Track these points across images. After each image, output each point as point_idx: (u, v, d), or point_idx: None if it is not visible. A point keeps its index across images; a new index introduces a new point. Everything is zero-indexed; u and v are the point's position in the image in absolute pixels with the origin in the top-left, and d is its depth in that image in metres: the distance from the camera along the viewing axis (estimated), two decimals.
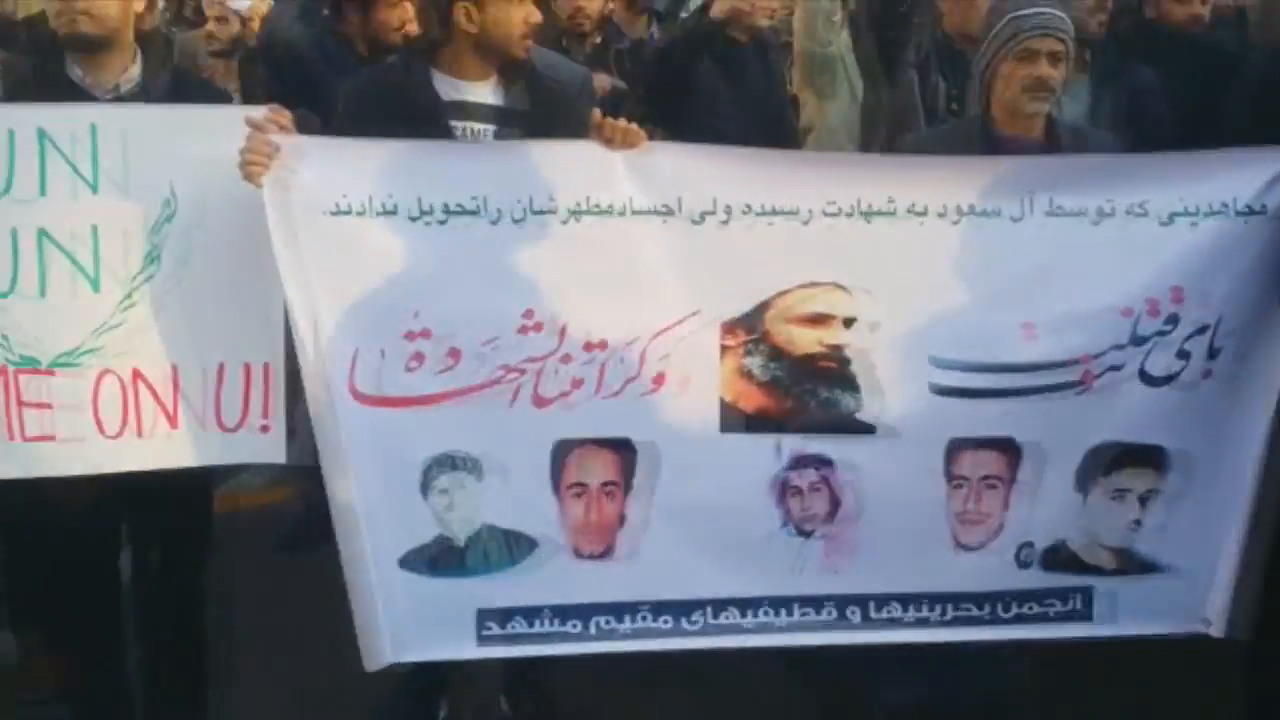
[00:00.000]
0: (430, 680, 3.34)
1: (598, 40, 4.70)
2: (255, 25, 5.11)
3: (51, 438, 2.87)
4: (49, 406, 2.85)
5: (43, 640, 3.55)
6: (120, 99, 2.94)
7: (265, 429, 2.93)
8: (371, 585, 2.85)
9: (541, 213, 2.83)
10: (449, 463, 2.87)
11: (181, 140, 2.82)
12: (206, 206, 2.83)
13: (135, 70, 2.98)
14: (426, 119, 3.00)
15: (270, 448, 2.95)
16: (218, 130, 2.78)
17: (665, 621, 3.01)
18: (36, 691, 3.49)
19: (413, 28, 4.12)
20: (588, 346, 2.87)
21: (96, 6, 2.83)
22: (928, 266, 2.92)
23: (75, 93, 2.91)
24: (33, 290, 2.82)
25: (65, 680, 3.33)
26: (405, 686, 3.32)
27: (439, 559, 2.91)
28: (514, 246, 2.84)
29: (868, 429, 2.93)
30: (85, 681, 3.27)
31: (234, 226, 2.81)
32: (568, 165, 2.85)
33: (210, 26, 5.03)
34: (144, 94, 2.96)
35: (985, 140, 3.18)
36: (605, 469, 2.94)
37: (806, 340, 2.93)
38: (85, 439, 2.87)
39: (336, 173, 2.77)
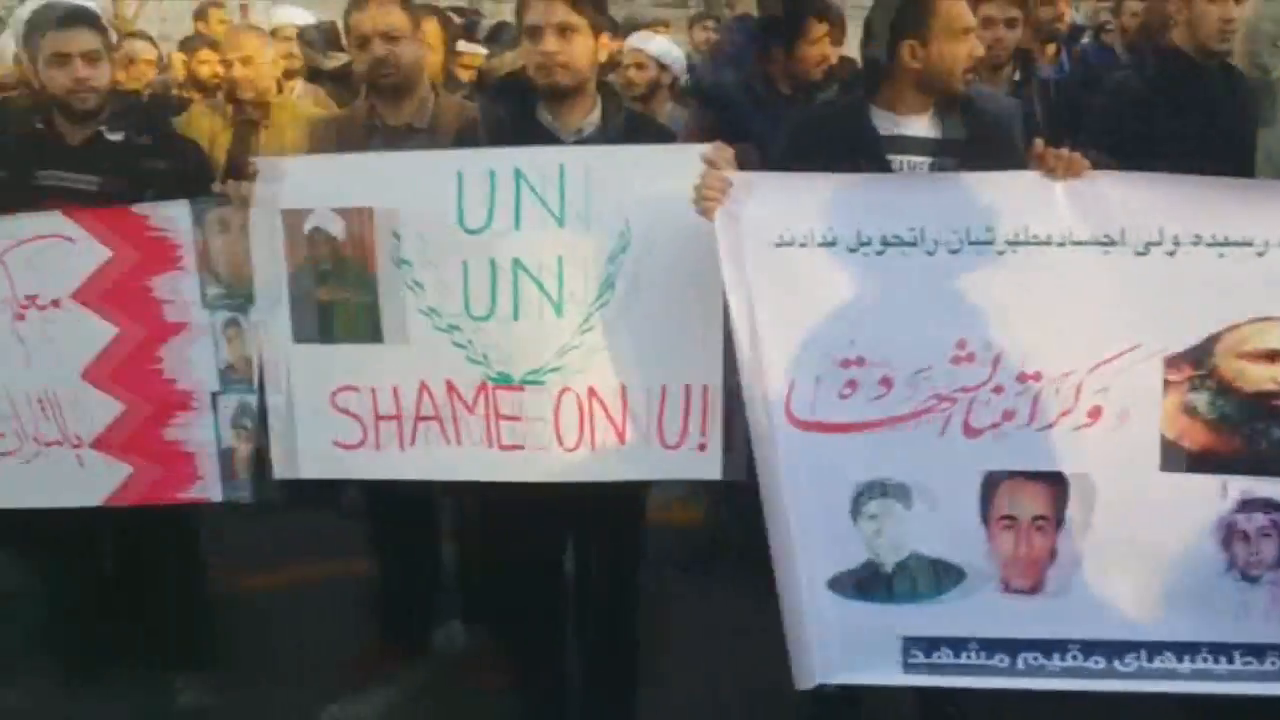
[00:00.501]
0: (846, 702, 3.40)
1: (1011, 71, 4.64)
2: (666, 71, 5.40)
3: (521, 447, 3.13)
4: (519, 419, 3.12)
5: (491, 633, 3.89)
6: (582, 141, 3.18)
7: (703, 447, 3.08)
8: (802, 605, 2.94)
9: (978, 243, 2.86)
10: (879, 489, 2.93)
11: (637, 177, 3.02)
12: (656, 238, 3.02)
13: (595, 114, 3.22)
14: (865, 153, 3.09)
15: (707, 465, 3.09)
16: (668, 168, 2.98)
17: (1096, 661, 2.94)
18: (481, 680, 3.81)
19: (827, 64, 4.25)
20: (1021, 378, 2.87)
21: (573, 59, 3.09)
22: None
23: (544, 135, 3.18)
24: (507, 314, 3.08)
25: (510, 672, 3.59)
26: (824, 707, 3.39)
27: (867, 584, 2.96)
28: (950, 277, 2.87)
29: None
30: (528, 675, 3.51)
31: (680, 257, 2.99)
32: (1006, 196, 2.86)
33: (630, 73, 5.33)
34: (603, 135, 3.19)
35: None
36: (1036, 502, 2.91)
37: (1259, 377, 2.80)
38: (548, 450, 3.11)
39: (781, 206, 2.90)
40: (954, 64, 3.08)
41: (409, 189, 3.11)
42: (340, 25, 4.77)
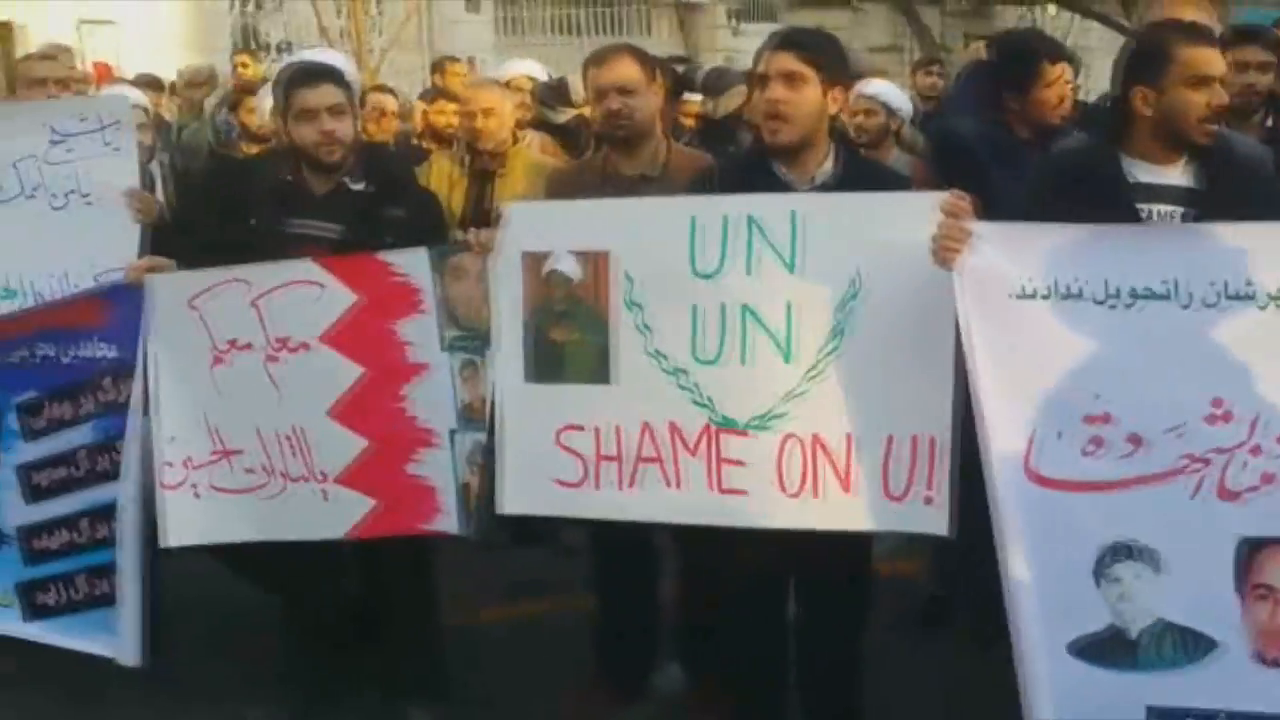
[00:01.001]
0: None
1: (1265, 118, 4.43)
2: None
3: (744, 492, 3.13)
4: (743, 463, 3.12)
5: (710, 677, 3.88)
6: (817, 190, 3.18)
7: (929, 500, 3.01)
8: (1040, 670, 2.83)
9: (1237, 298, 2.73)
10: (1124, 551, 2.81)
11: (870, 225, 3.00)
12: (888, 287, 2.98)
13: (829, 164, 3.22)
14: (1114, 201, 2.99)
15: (933, 519, 3.03)
16: (902, 216, 2.96)
17: None
18: None
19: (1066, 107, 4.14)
20: None
21: (798, 110, 3.11)
22: None
23: (779, 186, 3.19)
24: (735, 359, 3.10)
25: (729, 717, 3.57)
26: None
27: (1110, 649, 2.84)
28: (1205, 332, 2.75)
29: None
30: None
31: (911, 307, 2.95)
32: (1269, 249, 2.73)
33: (859, 120, 5.31)
34: (837, 185, 3.18)
35: None
36: None
37: None
38: (770, 496, 3.11)
39: (1024, 257, 2.83)
40: (1189, 112, 2.97)
41: (644, 233, 3.17)
42: (570, 81, 4.95)
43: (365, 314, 3.43)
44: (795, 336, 3.05)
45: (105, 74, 11.28)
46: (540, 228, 3.27)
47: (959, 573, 4.14)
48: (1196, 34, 3.11)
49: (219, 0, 16.32)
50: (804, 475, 3.08)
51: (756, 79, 3.18)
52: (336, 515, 3.52)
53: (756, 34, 25.32)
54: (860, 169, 3.28)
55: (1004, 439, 2.82)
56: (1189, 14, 3.46)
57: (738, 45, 23.55)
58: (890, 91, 5.48)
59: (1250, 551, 2.76)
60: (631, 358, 3.18)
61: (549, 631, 4.42)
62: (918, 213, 2.90)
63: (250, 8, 16.85)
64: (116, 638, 3.72)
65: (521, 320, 3.27)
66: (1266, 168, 3.37)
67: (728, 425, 3.12)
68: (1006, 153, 3.89)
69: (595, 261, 3.19)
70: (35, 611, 3.95)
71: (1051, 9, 28.29)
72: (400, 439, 3.45)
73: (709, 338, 3.11)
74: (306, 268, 3.46)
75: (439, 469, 3.43)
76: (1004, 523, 2.82)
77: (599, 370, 3.22)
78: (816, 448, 3.07)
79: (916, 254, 2.89)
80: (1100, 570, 2.83)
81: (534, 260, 3.24)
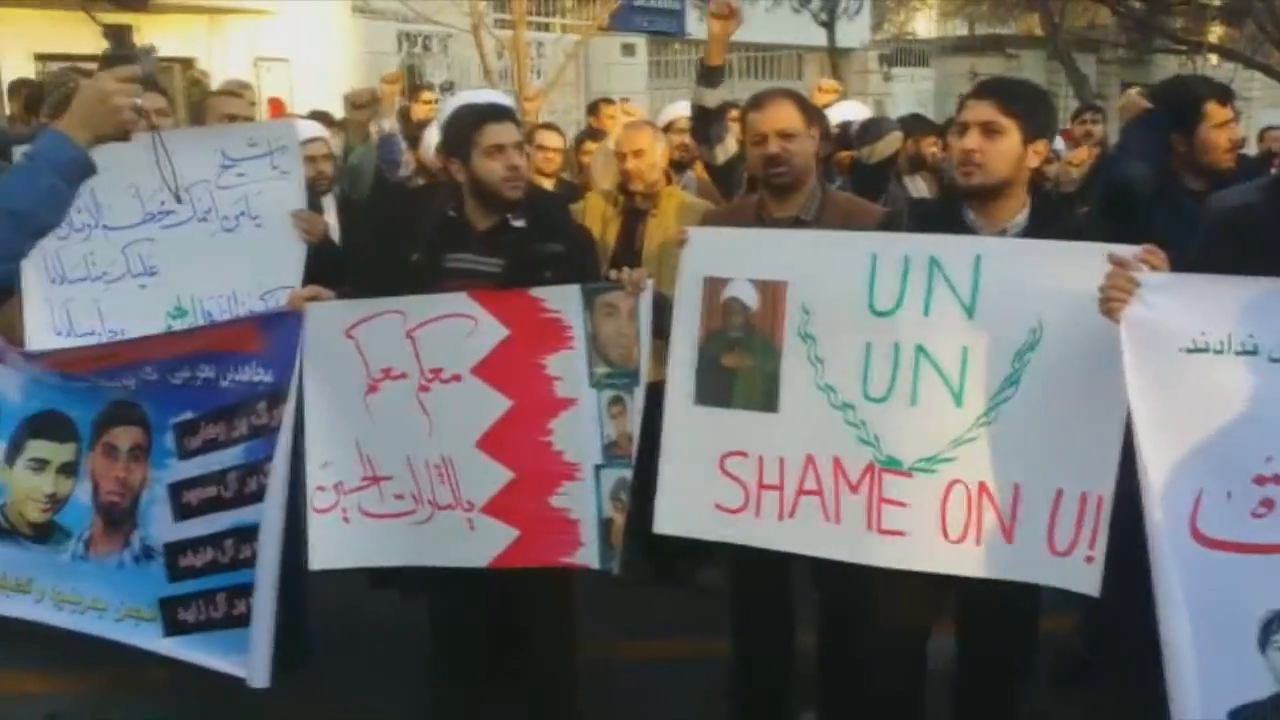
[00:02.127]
0: None
1: None
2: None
3: (902, 534, 3.09)
4: (904, 505, 3.08)
5: None
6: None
7: (1089, 559, 2.93)
8: None
9: None
10: None
11: (1050, 273, 2.93)
12: (1066, 338, 2.91)
13: (1022, 216, 3.17)
14: None
15: (1088, 578, 2.94)
16: (1079, 265, 2.87)
17: None
18: None
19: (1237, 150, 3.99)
20: None
21: (991, 159, 3.09)
22: None
23: (965, 232, 3.16)
24: (905, 399, 3.06)
25: None
26: None
27: (1274, 718, 2.70)
28: None
29: None
30: None
31: (1088, 360, 2.88)
32: None
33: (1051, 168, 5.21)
34: (1027, 236, 3.13)
35: None
36: None
37: None
38: (931, 540, 3.06)
39: (1196, 310, 2.74)
40: None
41: (823, 266, 3.16)
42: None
43: (515, 348, 3.48)
44: (968, 381, 3.00)
45: (279, 110, 11.73)
46: (721, 254, 3.31)
47: (1106, 632, 3.99)
48: None
49: (385, 41, 16.88)
50: (967, 522, 3.03)
51: (957, 125, 3.16)
52: (480, 544, 3.56)
53: (907, 79, 25.27)
54: (1050, 219, 3.21)
55: (1169, 497, 2.72)
56: None
57: (888, 90, 23.45)
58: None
59: None
60: (801, 389, 3.18)
61: (685, 672, 4.40)
62: (1092, 263, 2.83)
63: (417, 49, 17.39)
64: (249, 658, 3.78)
65: (695, 343, 3.31)
66: None
67: (891, 465, 3.09)
68: (1173, 200, 3.77)
69: (773, 291, 3.21)
70: (175, 627, 4.02)
71: (1213, 58, 27.50)
72: (545, 472, 3.49)
73: (881, 376, 3.08)
74: (461, 301, 3.52)
75: (582, 503, 3.45)
76: (1165, 584, 2.71)
77: (767, 399, 3.23)
78: (982, 495, 3.01)
79: (1092, 306, 2.82)
80: (1267, 636, 2.70)
81: (713, 285, 3.28)
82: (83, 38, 14.16)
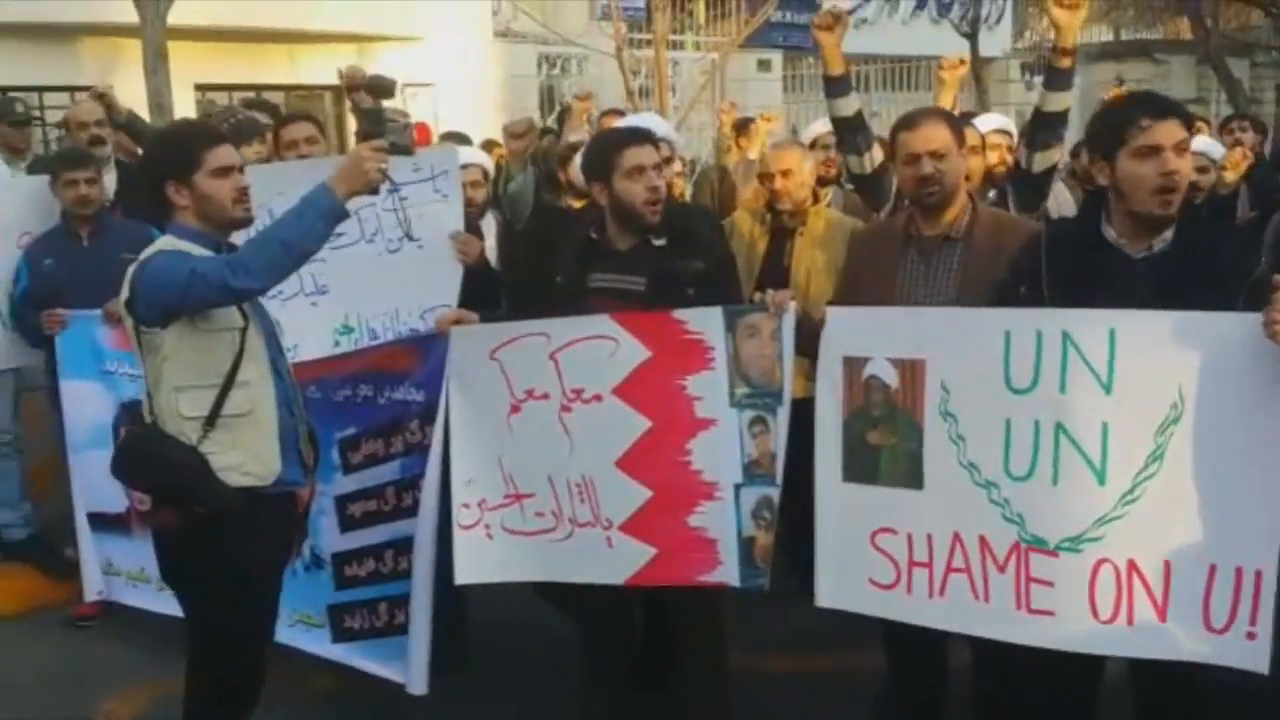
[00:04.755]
0: None
1: None
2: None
3: (1051, 613, 3.05)
4: (1051, 584, 3.04)
5: None
6: (1152, 258, 3.09)
7: (1251, 636, 2.86)
8: None
9: None
10: None
11: (1191, 345, 2.88)
12: (1210, 411, 2.86)
13: (1169, 233, 3.10)
14: None
15: (1254, 654, 2.87)
16: (1225, 336, 2.84)
17: None
18: None
19: None
20: None
21: (1183, 180, 3.04)
22: None
23: (1112, 253, 3.12)
24: (1047, 477, 3.02)
25: None
26: None
27: None
28: None
29: None
30: None
31: (1233, 429, 2.83)
32: None
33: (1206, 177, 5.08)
34: (1176, 254, 3.07)
35: None
36: None
37: None
38: (1080, 619, 3.01)
39: None
40: None
41: (959, 344, 3.17)
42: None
43: (656, 368, 3.53)
44: (1110, 459, 2.95)
45: (425, 135, 12.05)
46: (858, 333, 3.34)
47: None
48: None
49: (526, 64, 17.20)
50: (1117, 601, 2.98)
51: (1145, 150, 3.03)
52: (619, 562, 3.62)
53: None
54: (1197, 236, 3.14)
55: None
56: None
57: (1029, 99, 22.98)
58: (1206, 143, 5.25)
59: None
60: (944, 466, 3.18)
61: (831, 686, 4.41)
62: (1241, 332, 2.79)
63: (556, 71, 17.69)
64: (408, 665, 3.94)
65: (840, 421, 3.34)
66: None
67: (1037, 544, 3.06)
68: None
69: (911, 369, 3.22)
70: (342, 634, 4.24)
71: None
72: (683, 491, 3.53)
73: (1021, 454, 3.06)
74: (603, 323, 3.59)
75: (721, 522, 3.49)
76: None
77: (912, 476, 3.24)
78: (1131, 573, 2.97)
79: (1240, 376, 2.79)
80: None
81: (853, 365, 3.32)
82: (239, 69, 14.75)
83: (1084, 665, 3.17)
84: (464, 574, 3.81)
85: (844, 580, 3.35)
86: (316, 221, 3.18)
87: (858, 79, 21.46)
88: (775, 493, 3.42)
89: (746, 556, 3.48)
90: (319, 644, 4.28)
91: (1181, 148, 3.02)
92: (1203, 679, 3.16)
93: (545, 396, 3.65)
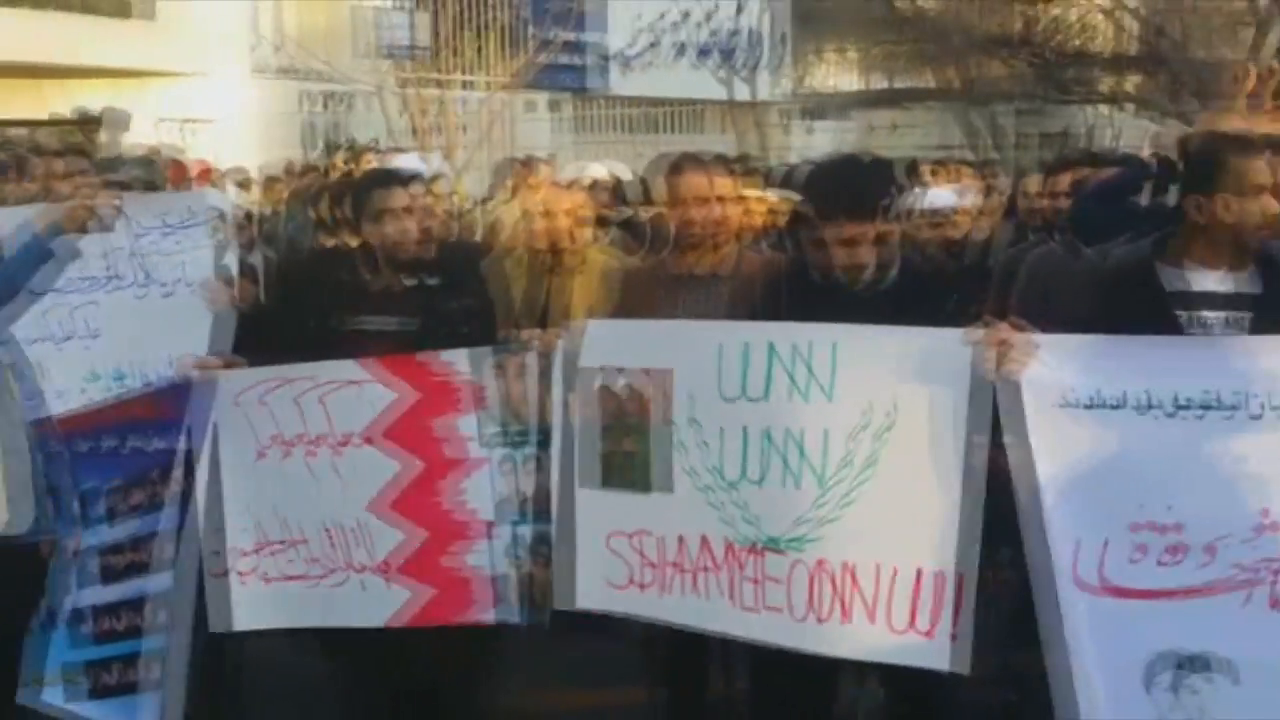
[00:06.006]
0: None
1: None
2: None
3: (780, 610, 3.16)
4: (767, 583, 3.16)
5: None
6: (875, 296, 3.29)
7: (954, 638, 2.99)
8: None
9: None
10: (1174, 660, 2.79)
11: (906, 357, 3.04)
12: (921, 420, 3.01)
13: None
14: (1155, 309, 3.03)
15: (954, 656, 3.00)
16: (937, 349, 3.00)
17: None
18: None
19: None
20: None
21: None
22: None
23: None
24: (766, 480, 3.16)
25: None
26: None
27: None
28: (1251, 442, 2.76)
29: None
30: None
31: (944, 441, 2.98)
32: None
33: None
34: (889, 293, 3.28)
35: None
36: None
37: None
38: (793, 617, 3.13)
39: (1066, 367, 2.87)
40: (1244, 221, 3.01)
41: (701, 355, 3.26)
42: (632, 183, 5.07)
43: (413, 410, 3.53)
44: (812, 463, 3.11)
45: (183, 172, 11.66)
46: (605, 344, 3.40)
47: None
48: (1249, 145, 3.15)
49: (291, 99, 16.92)
50: (811, 601, 3.11)
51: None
52: (387, 604, 3.59)
53: (827, 131, 25.79)
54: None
55: (1051, 548, 2.82)
56: (1234, 126, 3.50)
57: (810, 143, 23.91)
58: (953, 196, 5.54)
59: None
60: (671, 472, 3.29)
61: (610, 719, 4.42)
62: (944, 347, 2.97)
63: (319, 109, 17.43)
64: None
65: (581, 429, 3.39)
66: None
67: (749, 545, 3.19)
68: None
69: (655, 379, 3.30)
70: (98, 691, 3.99)
71: (1130, 108, 28.30)
72: (448, 530, 3.53)
73: (734, 459, 3.20)
74: (354, 367, 3.57)
75: (486, 560, 3.50)
76: (1050, 631, 2.81)
77: (644, 482, 3.33)
78: (846, 576, 3.10)
79: (940, 387, 2.96)
80: (1150, 678, 2.81)
81: (587, 375, 3.37)
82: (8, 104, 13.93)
83: (821, 666, 3.27)
84: (235, 622, 3.72)
85: (585, 583, 3.40)
86: (18, 258, 3.10)
87: (640, 120, 22.02)
88: (530, 529, 3.45)
89: (501, 594, 3.50)
90: (76, 703, 4.06)
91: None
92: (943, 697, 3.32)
93: (309, 440, 3.62)
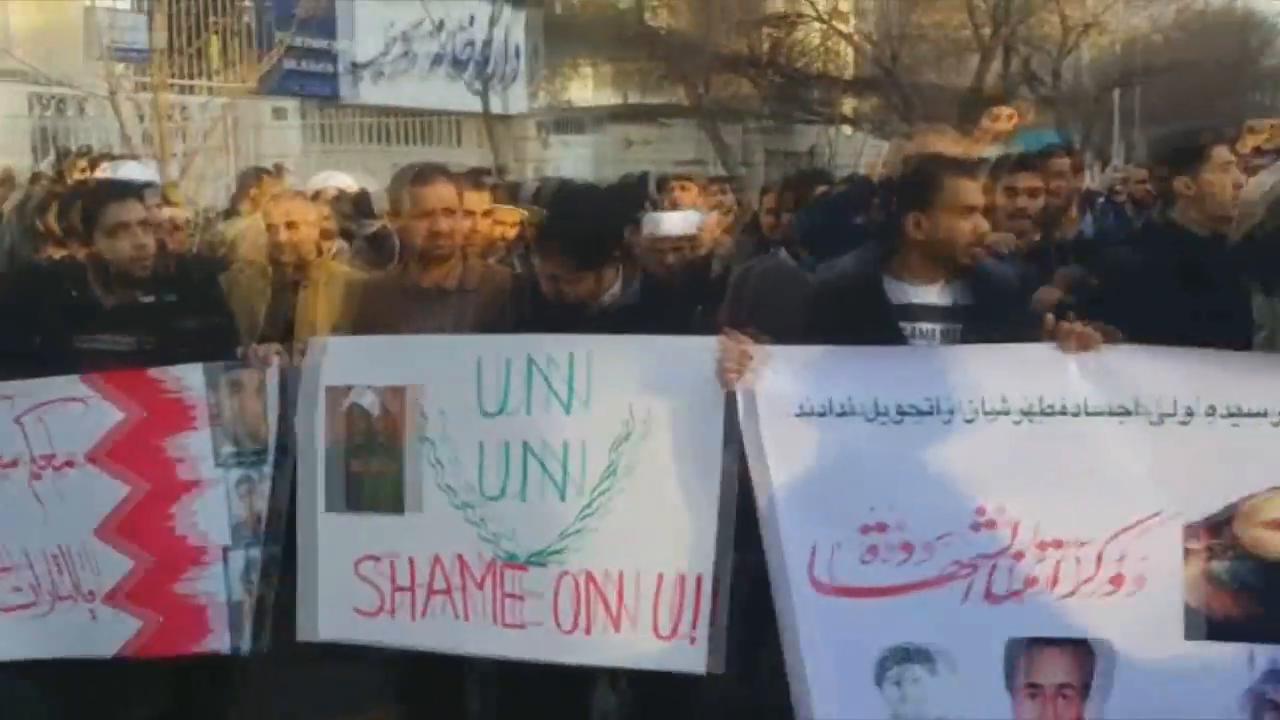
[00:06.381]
0: None
1: (1036, 238, 4.75)
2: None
3: (523, 626, 3.17)
4: (523, 599, 3.17)
5: None
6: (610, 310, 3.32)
7: (693, 640, 3.08)
8: None
9: (993, 413, 2.92)
10: (903, 654, 2.93)
11: (646, 366, 3.11)
12: (662, 428, 3.08)
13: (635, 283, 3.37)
14: (878, 323, 3.17)
15: (696, 658, 3.08)
16: (679, 358, 3.08)
17: None
18: None
19: None
20: (1041, 545, 2.89)
21: None
22: None
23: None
24: (517, 495, 3.17)
25: None
26: None
27: None
28: (966, 445, 2.92)
29: None
30: None
31: (686, 447, 3.06)
32: (1020, 367, 2.93)
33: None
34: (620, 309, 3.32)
35: None
36: (1060, 670, 2.90)
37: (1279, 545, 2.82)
38: (548, 631, 3.15)
39: (799, 378, 2.99)
40: (957, 238, 3.18)
41: (438, 371, 3.25)
42: (379, 195, 4.99)
43: (137, 430, 3.39)
44: (571, 475, 3.14)
45: None
46: (342, 362, 3.34)
47: None
48: (961, 166, 3.35)
49: (17, 104, 15.95)
50: (577, 612, 3.14)
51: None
52: (106, 635, 3.43)
53: (565, 145, 26.01)
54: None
55: (787, 550, 2.93)
56: (946, 147, 3.71)
57: (547, 156, 24.04)
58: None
59: (1018, 652, 2.91)
60: (425, 491, 3.25)
61: None
62: (694, 355, 3.04)
63: (50, 113, 16.49)
64: None
65: (322, 451, 3.32)
66: (1015, 290, 3.58)
67: (511, 560, 3.19)
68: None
69: (394, 396, 3.27)
70: None
71: (847, 128, 29.68)
72: (172, 557, 3.40)
73: (494, 474, 3.19)
74: (78, 384, 3.40)
75: (220, 586, 3.38)
76: (789, 631, 2.92)
77: (395, 502, 3.29)
78: (590, 585, 3.14)
79: (691, 395, 3.04)
80: (881, 673, 2.94)
81: (335, 394, 3.31)
82: None
83: (573, 672, 3.30)
84: None
85: (330, 611, 3.33)
86: None
87: (376, 130, 21.65)
88: (267, 554, 3.36)
89: (236, 621, 3.39)
90: None
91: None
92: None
93: (14, 465, 3.43)
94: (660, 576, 3.09)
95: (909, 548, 2.93)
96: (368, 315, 3.90)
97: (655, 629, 3.10)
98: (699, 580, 3.07)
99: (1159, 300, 3.43)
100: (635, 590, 3.11)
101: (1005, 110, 5.62)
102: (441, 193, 3.79)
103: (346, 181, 6.70)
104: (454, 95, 22.31)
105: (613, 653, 3.16)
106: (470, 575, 3.22)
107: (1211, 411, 2.84)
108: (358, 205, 5.88)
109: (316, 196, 5.80)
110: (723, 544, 3.04)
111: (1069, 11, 27.61)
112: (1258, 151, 5.29)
